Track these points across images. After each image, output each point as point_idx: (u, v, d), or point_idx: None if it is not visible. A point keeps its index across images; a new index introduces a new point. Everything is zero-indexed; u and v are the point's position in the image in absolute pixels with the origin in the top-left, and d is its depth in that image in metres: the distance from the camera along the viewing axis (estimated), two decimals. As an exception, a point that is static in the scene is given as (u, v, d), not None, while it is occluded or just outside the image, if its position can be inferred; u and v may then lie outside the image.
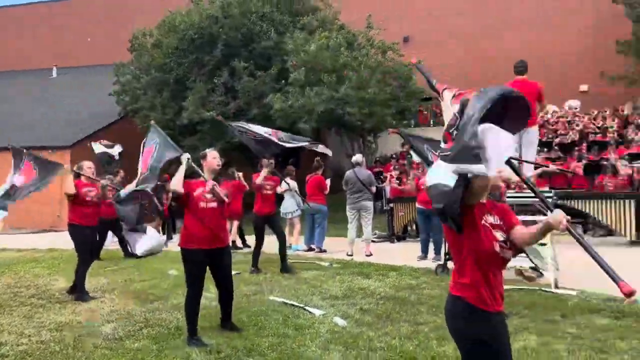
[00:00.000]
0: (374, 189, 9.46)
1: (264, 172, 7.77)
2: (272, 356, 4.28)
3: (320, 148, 7.89)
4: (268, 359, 4.24)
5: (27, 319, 5.63)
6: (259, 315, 5.42)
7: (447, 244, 6.37)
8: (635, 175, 10.37)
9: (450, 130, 2.52)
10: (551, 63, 17.39)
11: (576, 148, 12.58)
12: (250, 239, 10.48)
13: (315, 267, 8.18)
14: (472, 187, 2.29)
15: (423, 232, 8.97)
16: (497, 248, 2.42)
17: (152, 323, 5.30)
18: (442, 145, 2.56)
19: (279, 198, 9.41)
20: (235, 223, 10.63)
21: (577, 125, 14.33)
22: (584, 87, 18.40)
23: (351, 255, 9.11)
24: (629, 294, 2.15)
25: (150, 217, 8.72)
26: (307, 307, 5.64)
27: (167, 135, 5.81)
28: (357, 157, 9.69)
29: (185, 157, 5.00)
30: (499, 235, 2.46)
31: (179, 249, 4.80)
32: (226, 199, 4.81)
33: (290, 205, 9.98)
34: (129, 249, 4.97)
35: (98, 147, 13.03)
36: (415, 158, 14.05)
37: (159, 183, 5.76)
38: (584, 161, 11.45)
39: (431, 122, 19.17)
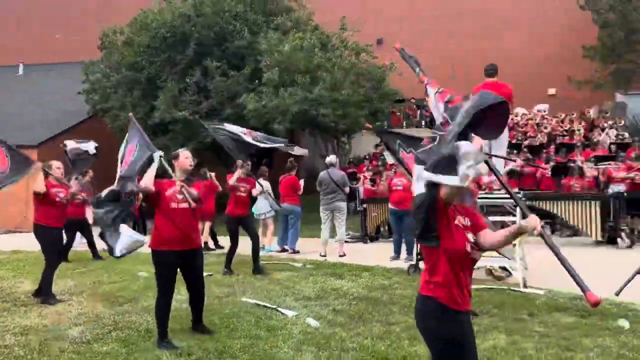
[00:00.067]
0: (347, 189, 9.49)
1: (238, 173, 7.71)
2: (243, 358, 4.24)
3: (296, 150, 7.85)
4: (240, 361, 4.21)
5: (-9, 323, 5.46)
6: (231, 317, 5.37)
7: (419, 245, 6.44)
8: (601, 177, 10.65)
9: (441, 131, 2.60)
10: (521, 67, 17.75)
11: (544, 150, 12.85)
12: (223, 240, 10.41)
13: (289, 268, 8.16)
14: (443, 192, 2.37)
15: (395, 233, 9.04)
16: (469, 248, 2.48)
17: (122, 326, 5.20)
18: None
19: (252, 199, 9.35)
20: (208, 224, 10.51)
21: (546, 127, 14.67)
22: (552, 91, 18.86)
23: (324, 255, 9.12)
24: (595, 304, 2.22)
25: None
26: (279, 309, 5.62)
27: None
28: (331, 158, 9.71)
29: (158, 154, 4.89)
30: (470, 236, 2.52)
31: (149, 250, 4.72)
32: (192, 204, 4.66)
33: (263, 206, 9.93)
34: (111, 251, 4.84)
35: (71, 144, 12.69)
36: (389, 159, 14.22)
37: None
38: (551, 163, 11.71)
39: (404, 124, 19.34)
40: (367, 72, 15.52)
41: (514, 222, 7.14)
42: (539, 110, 16.55)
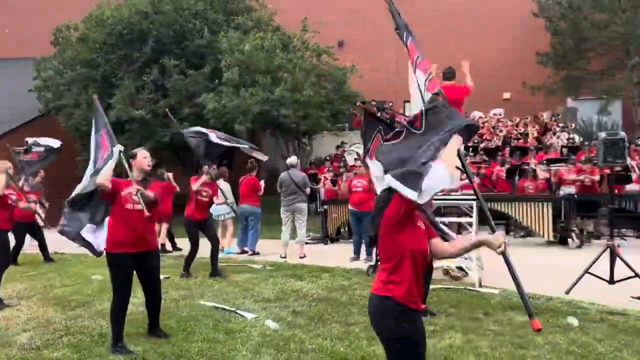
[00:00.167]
0: (308, 191, 9.49)
1: (203, 179, 7.63)
2: (201, 362, 4.18)
3: (258, 154, 7.78)
4: (197, 364, 4.14)
5: None
6: (189, 320, 5.28)
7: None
8: (553, 178, 11.00)
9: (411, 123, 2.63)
10: (477, 72, 18.01)
11: (500, 153, 13.20)
12: (180, 242, 10.22)
13: (248, 270, 8.09)
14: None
15: (355, 234, 9.09)
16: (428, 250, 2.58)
17: (74, 331, 5.03)
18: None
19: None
20: (165, 225, 10.29)
21: (501, 131, 15.06)
22: (507, 95, 19.43)
23: (285, 257, 9.08)
24: (537, 330, 2.51)
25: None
26: (238, 311, 5.56)
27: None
28: (292, 159, 9.69)
29: (118, 149, 4.72)
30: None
31: (104, 252, 4.59)
32: (146, 213, 4.51)
33: (222, 208, 9.80)
34: (92, 251, 4.68)
35: (32, 141, 12.17)
36: (350, 161, 14.29)
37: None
38: (506, 165, 12.03)
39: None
40: (328, 74, 15.58)
41: (470, 223, 7.31)
42: (494, 114, 17.01)
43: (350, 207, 9.02)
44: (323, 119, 14.98)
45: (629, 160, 9.75)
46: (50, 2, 23.28)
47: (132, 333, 4.80)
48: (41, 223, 9.25)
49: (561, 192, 10.34)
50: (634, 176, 10.30)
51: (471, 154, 12.64)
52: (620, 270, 6.00)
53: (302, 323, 5.14)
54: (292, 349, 4.38)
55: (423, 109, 2.65)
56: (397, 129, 2.71)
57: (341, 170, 13.13)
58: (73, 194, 4.80)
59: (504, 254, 2.50)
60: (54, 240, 9.46)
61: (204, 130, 7.36)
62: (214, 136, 7.16)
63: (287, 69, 14.24)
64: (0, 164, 6.27)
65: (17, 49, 22.61)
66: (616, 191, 9.25)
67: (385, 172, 2.50)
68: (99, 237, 4.72)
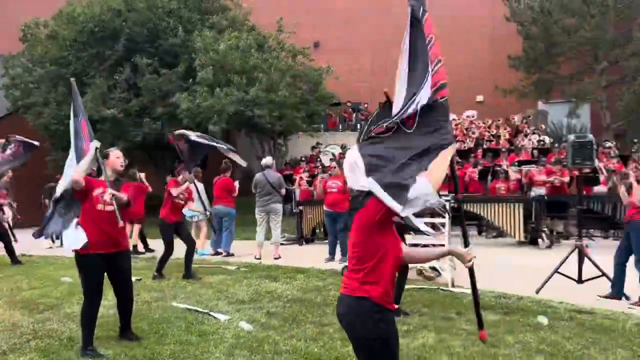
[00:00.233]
0: (283, 191, 9.46)
1: (185, 185, 7.56)
2: (173, 364, 4.12)
3: (236, 157, 7.70)
4: (169, 367, 4.08)
5: None
6: (161, 322, 5.20)
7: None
8: (524, 179, 11.21)
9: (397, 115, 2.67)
10: (450, 74, 18.17)
11: (472, 154, 13.39)
12: (153, 243, 10.08)
13: (222, 271, 8.02)
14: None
15: (330, 234, 9.10)
16: None
17: (42, 334, 4.90)
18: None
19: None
20: (137, 226, 10.13)
21: (474, 133, 15.29)
22: (479, 98, 19.77)
23: (259, 258, 9.03)
24: (483, 340, 2.95)
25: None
26: (211, 313, 5.50)
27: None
28: (267, 160, 9.65)
29: (94, 145, 4.58)
30: None
31: (73, 254, 4.48)
32: (120, 223, 4.43)
33: (195, 208, 9.70)
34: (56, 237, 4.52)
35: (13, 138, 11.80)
36: (326, 159, 14.29)
37: (50, 184, 5.23)
38: (479, 167, 12.20)
39: (340, 127, 19.59)
40: (303, 75, 15.58)
41: (442, 224, 7.39)
42: (467, 116, 17.27)
43: (325, 208, 9.02)
44: (298, 119, 14.98)
45: (597, 162, 10.00)
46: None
47: (102, 336, 4.71)
48: (11, 223, 9.02)
49: (532, 193, 10.53)
50: (601, 178, 10.55)
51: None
52: (589, 270, 6.16)
53: (276, 324, 5.12)
54: (266, 351, 4.35)
55: (418, 109, 2.63)
56: (389, 123, 2.67)
57: (316, 172, 13.13)
58: (59, 191, 4.57)
59: (471, 268, 2.69)
60: (22, 242, 9.25)
61: (185, 132, 7.24)
62: (193, 135, 7.07)
63: (262, 69, 14.19)
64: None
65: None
66: (585, 192, 9.46)
67: (368, 172, 2.46)
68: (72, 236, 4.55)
